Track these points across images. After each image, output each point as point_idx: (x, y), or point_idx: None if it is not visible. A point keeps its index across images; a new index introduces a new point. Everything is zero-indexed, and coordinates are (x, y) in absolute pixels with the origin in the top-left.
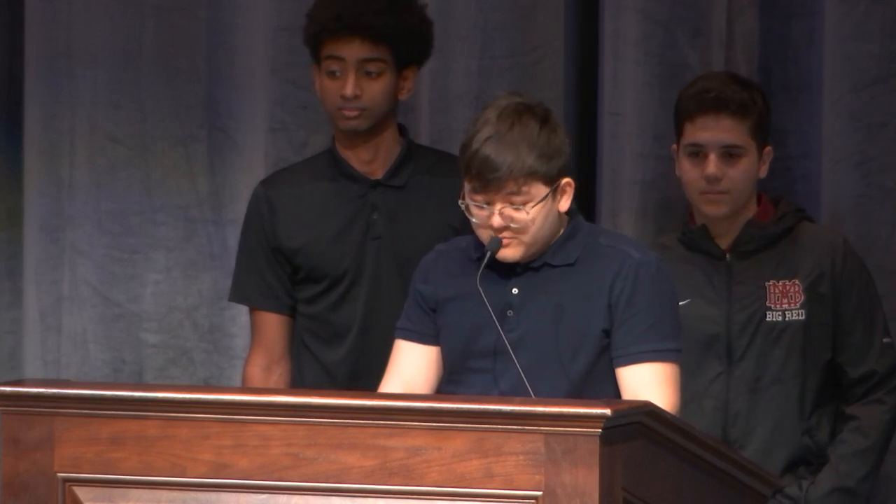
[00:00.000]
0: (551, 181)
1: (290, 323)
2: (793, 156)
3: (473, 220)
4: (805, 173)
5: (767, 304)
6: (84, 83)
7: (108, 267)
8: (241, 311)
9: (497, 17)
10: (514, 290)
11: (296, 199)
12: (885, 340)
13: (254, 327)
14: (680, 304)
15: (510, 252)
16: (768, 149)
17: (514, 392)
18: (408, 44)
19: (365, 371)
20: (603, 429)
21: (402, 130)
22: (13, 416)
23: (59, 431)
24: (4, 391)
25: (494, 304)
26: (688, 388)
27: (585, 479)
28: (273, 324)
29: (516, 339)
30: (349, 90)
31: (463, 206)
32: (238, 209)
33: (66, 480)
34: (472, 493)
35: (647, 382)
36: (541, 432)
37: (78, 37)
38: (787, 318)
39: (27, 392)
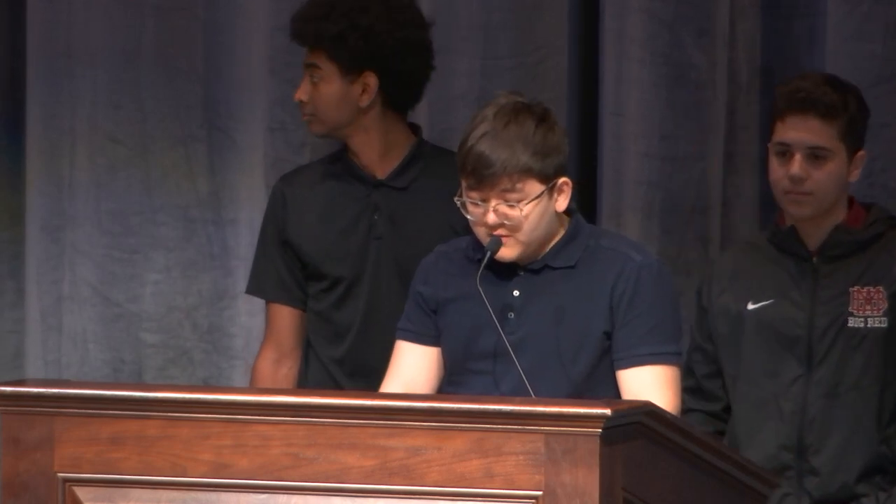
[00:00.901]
0: (547, 179)
1: (302, 317)
2: None
3: (469, 217)
4: None
5: (850, 309)
6: (84, 83)
7: (108, 267)
8: (241, 311)
9: (499, 16)
10: (515, 293)
11: (306, 197)
12: None
13: (267, 321)
14: (763, 304)
15: (506, 251)
16: (861, 153)
17: (515, 394)
18: (342, 50)
19: (365, 371)
20: (603, 429)
21: (415, 130)
22: (13, 416)
23: (60, 431)
24: (5, 391)
25: (495, 306)
26: (766, 388)
27: (585, 479)
28: (285, 317)
29: (517, 341)
30: (297, 94)
31: (459, 204)
32: (238, 209)
33: (66, 480)
34: (472, 493)
35: (648, 385)
36: (541, 432)
37: (78, 37)
38: (869, 325)
39: (27, 392)
